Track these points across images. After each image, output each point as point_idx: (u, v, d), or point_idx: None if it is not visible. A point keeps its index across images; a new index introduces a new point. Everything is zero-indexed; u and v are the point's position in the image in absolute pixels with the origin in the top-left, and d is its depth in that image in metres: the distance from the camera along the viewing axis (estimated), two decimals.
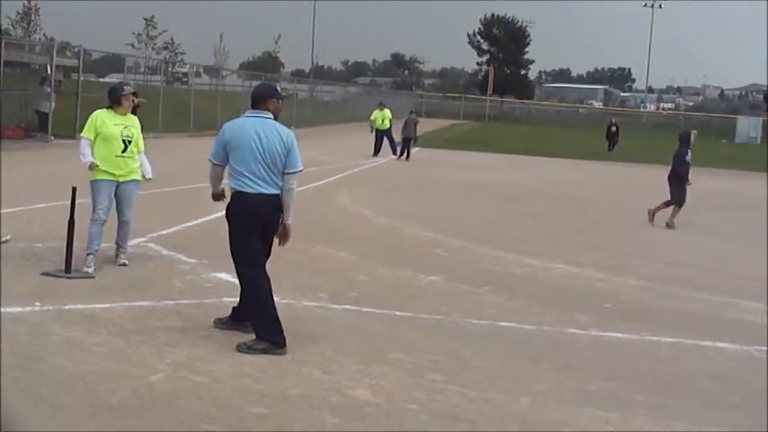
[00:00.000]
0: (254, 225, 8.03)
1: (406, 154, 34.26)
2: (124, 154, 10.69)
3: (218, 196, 8.69)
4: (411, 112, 37.00)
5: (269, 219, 8.14)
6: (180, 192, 17.64)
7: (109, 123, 10.65)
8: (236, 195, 8.07)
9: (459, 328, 9.23)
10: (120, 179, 10.71)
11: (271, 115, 8.24)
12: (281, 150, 8.09)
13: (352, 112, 69.73)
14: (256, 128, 8.09)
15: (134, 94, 11.09)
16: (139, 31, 79.78)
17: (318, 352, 7.89)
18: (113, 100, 10.80)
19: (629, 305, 11.06)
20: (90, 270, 10.20)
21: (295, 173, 8.23)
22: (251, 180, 7.98)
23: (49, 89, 30.14)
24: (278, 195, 8.13)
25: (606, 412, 6.90)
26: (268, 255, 8.28)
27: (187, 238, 13.17)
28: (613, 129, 50.77)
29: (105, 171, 10.60)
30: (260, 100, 8.28)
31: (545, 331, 9.34)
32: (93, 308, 8.77)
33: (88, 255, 10.35)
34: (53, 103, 29.93)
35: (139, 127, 11.06)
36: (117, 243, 10.92)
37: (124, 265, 10.73)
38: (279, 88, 8.81)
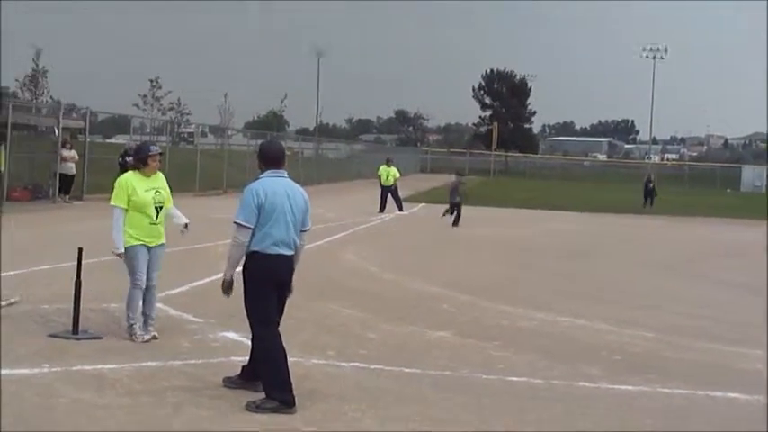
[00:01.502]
0: (272, 284, 7.99)
1: (455, 219, 29.74)
2: (157, 221, 10.29)
3: (231, 286, 8.13)
4: (457, 174, 33.28)
5: (286, 279, 8.14)
6: (187, 251, 17.60)
7: (140, 190, 10.14)
8: (258, 256, 7.90)
9: (469, 384, 9.16)
10: (152, 245, 10.35)
11: (286, 174, 8.21)
12: (304, 210, 8.16)
13: (358, 170, 69.97)
14: (285, 188, 8.06)
15: (160, 153, 10.66)
16: (145, 92, 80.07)
17: (328, 410, 7.83)
18: (140, 160, 10.34)
19: (639, 357, 10.97)
20: (147, 337, 10.07)
21: (308, 230, 8.34)
22: (278, 240, 7.91)
23: (72, 151, 30.37)
24: (293, 256, 8.15)
25: None
26: (282, 313, 8.25)
27: (194, 297, 13.15)
28: (651, 185, 47.72)
29: (138, 239, 10.18)
30: (280, 160, 8.20)
31: (554, 385, 9.27)
32: (101, 368, 8.73)
33: (134, 324, 10.14)
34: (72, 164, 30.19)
35: (166, 184, 10.59)
36: (145, 313, 10.31)
37: (155, 338, 10.20)
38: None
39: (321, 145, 75.91)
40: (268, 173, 8.12)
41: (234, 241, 7.96)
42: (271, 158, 8.18)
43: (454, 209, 29.89)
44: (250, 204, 7.89)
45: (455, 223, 29.36)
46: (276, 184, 8.04)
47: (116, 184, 10.28)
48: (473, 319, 13.12)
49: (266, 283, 7.96)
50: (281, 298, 8.20)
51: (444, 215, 29.85)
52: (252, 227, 7.87)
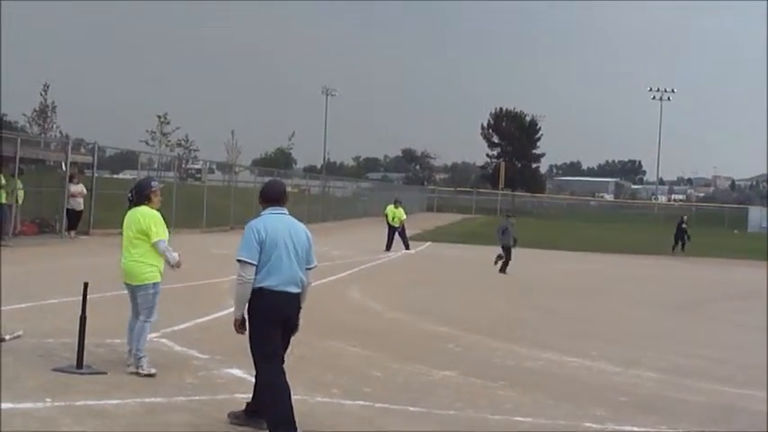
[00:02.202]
0: (277, 320, 7.98)
1: (503, 265, 27.86)
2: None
3: (243, 324, 8.12)
4: (507, 216, 30.94)
5: (292, 316, 8.13)
6: (193, 287, 17.61)
7: None
8: (264, 292, 7.90)
9: (475, 424, 9.13)
10: None
11: (286, 211, 8.29)
12: (307, 246, 8.18)
13: (364, 208, 70.11)
14: (287, 225, 8.13)
15: (161, 188, 10.92)
16: (153, 128, 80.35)
17: None
18: (144, 197, 10.50)
19: (645, 398, 10.92)
20: (153, 371, 10.13)
21: (313, 268, 8.32)
22: (282, 276, 7.93)
23: (80, 185, 30.44)
24: (300, 294, 8.16)
25: None
26: (285, 349, 8.22)
27: (199, 333, 13.12)
28: (684, 226, 44.84)
29: (161, 273, 10.46)
30: (279, 198, 8.30)
31: (560, 425, 9.23)
32: (104, 404, 8.70)
33: (143, 358, 10.22)
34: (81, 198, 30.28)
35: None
36: (138, 349, 10.34)
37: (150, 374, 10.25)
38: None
39: (328, 183, 76.01)
40: (269, 210, 8.21)
41: (239, 279, 7.97)
42: (271, 197, 8.29)
43: (505, 253, 27.84)
44: (251, 241, 7.93)
45: (503, 269, 27.50)
46: (277, 221, 8.11)
47: (153, 219, 10.36)
48: (479, 358, 13.08)
49: (271, 319, 7.94)
50: (286, 335, 8.18)
51: (497, 262, 27.80)
52: (255, 263, 7.88)
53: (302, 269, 8.12)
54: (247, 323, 8.04)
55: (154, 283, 10.37)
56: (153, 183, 10.92)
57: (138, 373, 10.07)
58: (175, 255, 10.48)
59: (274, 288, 7.90)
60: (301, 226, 8.28)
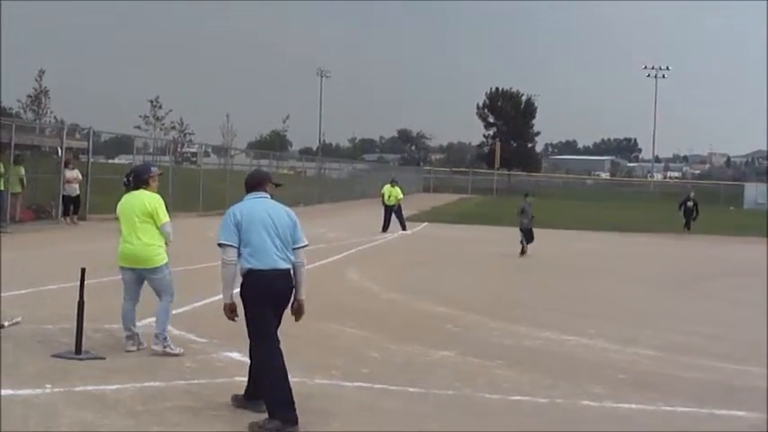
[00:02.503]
0: (269, 300, 8.05)
1: (523, 248, 27.23)
2: None
3: (232, 308, 8.20)
4: (525, 196, 29.58)
5: (283, 294, 8.18)
6: (190, 271, 17.60)
7: None
8: (251, 273, 8.04)
9: (473, 404, 9.14)
10: None
11: (268, 196, 8.47)
12: (290, 225, 8.27)
13: (361, 189, 70.07)
14: (264, 206, 8.29)
15: (160, 174, 11.10)
16: (146, 113, 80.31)
17: (332, 431, 7.82)
18: (142, 181, 10.67)
19: (643, 376, 10.93)
20: (181, 350, 10.45)
21: (303, 247, 8.37)
22: (267, 255, 8.04)
23: (75, 171, 30.35)
24: (290, 270, 8.21)
25: None
26: (278, 326, 8.26)
27: (197, 317, 13.09)
28: (690, 204, 42.66)
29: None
30: (257, 183, 8.53)
31: (559, 404, 9.25)
32: (103, 389, 8.72)
33: (168, 338, 10.48)
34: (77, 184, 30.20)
35: None
36: (164, 329, 10.57)
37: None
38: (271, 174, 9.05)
39: (324, 165, 75.98)
40: (248, 196, 8.47)
41: (222, 262, 8.16)
42: (251, 184, 8.54)
43: (525, 234, 27.27)
44: (228, 224, 8.18)
45: (523, 251, 26.96)
46: (255, 204, 8.34)
47: (157, 202, 10.61)
48: (477, 338, 13.09)
49: (263, 300, 8.03)
50: (278, 314, 8.24)
51: (522, 249, 27.01)
52: (234, 244, 8.09)
53: (288, 247, 8.22)
54: (243, 306, 8.08)
55: (166, 264, 10.61)
56: (152, 168, 11.09)
57: (166, 353, 10.28)
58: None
59: (262, 268, 8.02)
60: (282, 207, 8.43)
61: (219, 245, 8.15)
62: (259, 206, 8.29)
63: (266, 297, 8.04)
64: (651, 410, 9.23)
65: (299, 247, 8.33)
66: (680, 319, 16.26)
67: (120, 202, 10.77)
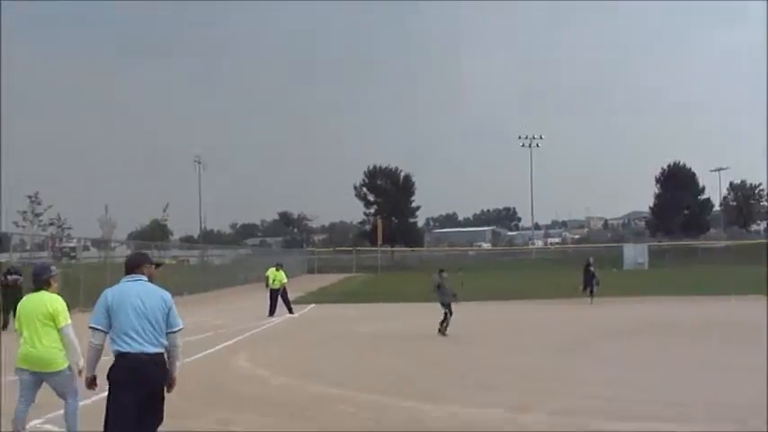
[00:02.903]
0: (133, 384, 7.95)
1: (445, 325, 25.90)
2: None
3: (92, 382, 8.54)
4: (440, 271, 27.96)
5: (149, 378, 8.08)
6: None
7: None
8: (119, 356, 8.05)
9: None
10: None
11: (146, 278, 8.50)
12: (163, 310, 8.28)
13: (245, 274, 69.46)
14: (137, 289, 8.31)
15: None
16: (24, 208, 78.88)
17: None
18: (43, 282, 10.53)
19: None
20: None
21: (178, 331, 8.42)
22: (134, 340, 8.02)
23: None
24: (161, 354, 8.20)
25: None
26: (161, 420, 8.16)
27: (84, 415, 12.68)
28: (591, 269, 41.96)
29: None
30: (135, 266, 8.58)
31: None
32: None
33: None
34: None
35: None
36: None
37: None
38: (151, 256, 9.06)
39: (206, 252, 75.35)
40: (125, 278, 8.53)
41: (89, 344, 8.32)
42: (129, 266, 8.64)
43: (446, 312, 25.88)
44: (99, 308, 8.31)
45: (442, 330, 25.63)
46: (127, 287, 8.39)
47: (60, 303, 10.41)
48: (372, 418, 12.96)
49: (125, 383, 7.97)
50: (156, 405, 8.16)
51: (442, 328, 25.72)
52: (101, 328, 8.22)
53: (159, 331, 8.21)
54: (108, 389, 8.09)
55: (68, 365, 10.36)
56: (52, 267, 11.00)
57: None
58: (81, 361, 10.08)
59: (129, 351, 8.02)
60: (158, 290, 8.45)
61: (90, 327, 8.26)
62: (132, 289, 8.31)
63: (130, 380, 7.98)
64: None
65: (175, 331, 8.36)
66: (571, 382, 16.36)
67: (20, 303, 10.52)
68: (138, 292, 8.28)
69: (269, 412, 13.28)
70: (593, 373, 17.91)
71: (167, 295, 8.45)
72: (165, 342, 8.25)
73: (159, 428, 8.37)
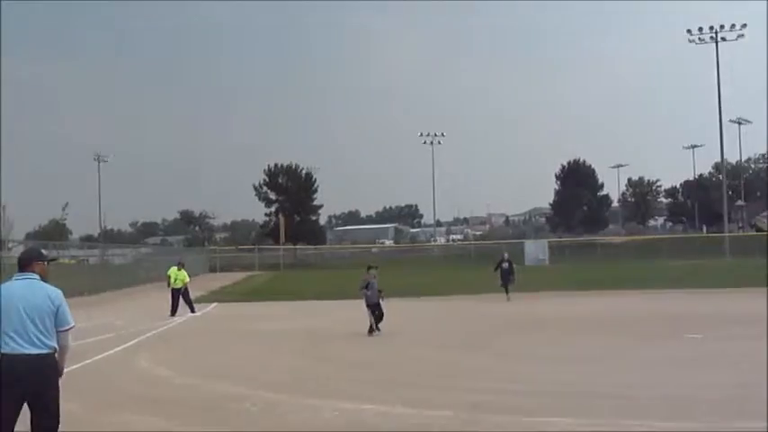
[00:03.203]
0: (14, 385, 7.82)
1: (375, 323, 25.23)
2: None
3: None
4: (369, 268, 26.92)
5: (31, 379, 7.95)
6: None
7: None
8: (2, 357, 7.91)
9: None
10: None
11: (37, 276, 8.33)
12: (50, 309, 8.12)
13: (146, 274, 68.66)
14: (23, 289, 8.14)
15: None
16: None
17: None
18: None
19: None
20: None
21: (68, 330, 8.28)
22: (13, 340, 7.90)
23: None
24: (49, 355, 8.06)
25: None
26: (56, 422, 8.08)
27: None
28: (505, 265, 40.28)
29: None
30: (26, 263, 8.41)
31: None
32: None
33: None
34: None
35: None
36: None
37: None
38: (44, 252, 9.01)
39: (106, 251, 74.25)
40: (16, 276, 8.41)
41: None
42: (19, 264, 8.51)
43: (372, 311, 25.12)
44: None
45: (372, 330, 24.85)
46: (16, 286, 8.23)
47: None
48: (277, 416, 12.91)
49: (7, 383, 7.83)
50: (46, 405, 8.04)
51: (371, 330, 24.95)
52: None
53: (45, 331, 8.06)
54: None
55: None
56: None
57: None
58: None
59: (10, 352, 7.88)
60: (44, 288, 8.27)
61: None
62: (19, 289, 8.15)
63: (11, 381, 7.83)
64: None
65: (65, 330, 8.23)
66: (475, 377, 16.45)
67: None
68: (23, 292, 8.12)
69: (173, 413, 13.14)
70: (502, 367, 18.07)
71: (56, 293, 8.28)
72: (53, 342, 8.10)
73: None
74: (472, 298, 40.69)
